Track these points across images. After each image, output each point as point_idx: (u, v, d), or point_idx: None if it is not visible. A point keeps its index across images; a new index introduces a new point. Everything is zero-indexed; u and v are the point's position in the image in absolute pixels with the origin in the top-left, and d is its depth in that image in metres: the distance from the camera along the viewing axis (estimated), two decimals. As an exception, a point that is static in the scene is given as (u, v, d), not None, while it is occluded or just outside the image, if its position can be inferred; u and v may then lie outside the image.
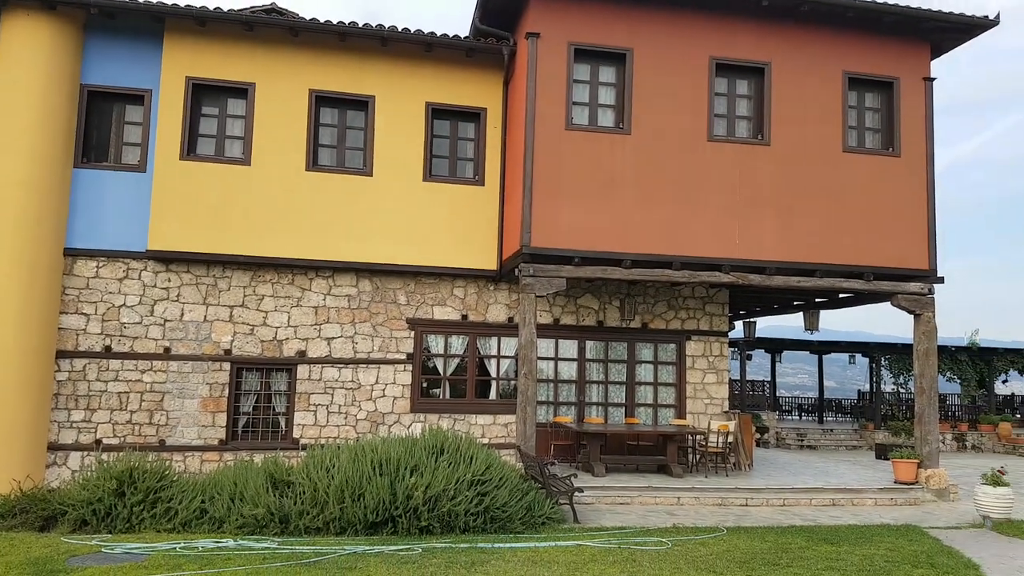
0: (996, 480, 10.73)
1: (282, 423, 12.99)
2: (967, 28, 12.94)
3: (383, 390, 13.23)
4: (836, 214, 12.72)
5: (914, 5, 12.62)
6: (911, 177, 13.02)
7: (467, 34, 13.51)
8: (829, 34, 12.93)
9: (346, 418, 13.04)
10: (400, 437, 10.16)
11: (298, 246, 12.71)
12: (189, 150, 12.60)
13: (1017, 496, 12.61)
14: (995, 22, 12.73)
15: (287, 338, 12.99)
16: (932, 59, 13.51)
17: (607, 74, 12.47)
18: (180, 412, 12.54)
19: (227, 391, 12.70)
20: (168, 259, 12.63)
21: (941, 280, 13.09)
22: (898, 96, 13.10)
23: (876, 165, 12.96)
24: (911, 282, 13.00)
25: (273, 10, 13.97)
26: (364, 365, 13.20)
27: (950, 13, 12.61)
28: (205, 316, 12.78)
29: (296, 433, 12.84)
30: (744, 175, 12.48)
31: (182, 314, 12.71)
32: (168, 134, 12.48)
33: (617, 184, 12.12)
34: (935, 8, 12.70)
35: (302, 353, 13.01)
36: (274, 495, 9.09)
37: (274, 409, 13.02)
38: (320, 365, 13.05)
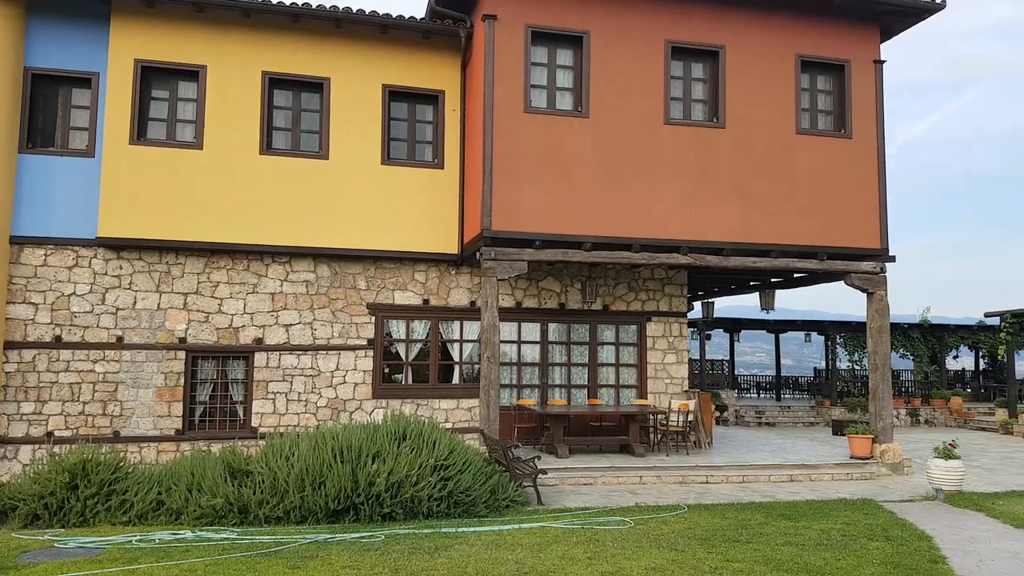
0: (947, 454, 11.02)
1: (240, 412, 12.81)
2: (915, 11, 13.13)
3: (344, 376, 13.12)
4: (790, 195, 12.89)
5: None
6: (863, 158, 13.23)
7: (424, 15, 13.33)
8: (782, 17, 13.03)
9: (306, 406, 12.91)
10: (361, 423, 10.08)
11: (253, 231, 12.49)
12: (139, 134, 12.29)
13: (968, 469, 12.99)
14: (942, 5, 12.95)
15: (243, 325, 12.79)
16: (882, 42, 13.72)
17: (564, 57, 12.43)
18: (135, 402, 12.30)
19: (183, 380, 12.49)
20: (119, 246, 12.34)
21: (893, 259, 13.35)
22: (849, 78, 13.28)
23: (829, 146, 13.14)
24: (863, 261, 13.25)
25: (224, -10, 13.60)
26: (324, 352, 13.06)
27: (900, -5, 12.81)
28: (159, 304, 12.52)
29: (255, 422, 12.68)
30: (701, 157, 12.57)
31: (135, 302, 12.44)
32: (117, 118, 12.15)
33: (576, 167, 12.12)
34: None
35: (259, 340, 12.83)
36: (233, 485, 8.97)
37: (231, 398, 12.84)
38: (278, 352, 12.88)
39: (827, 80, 13.46)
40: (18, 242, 12.05)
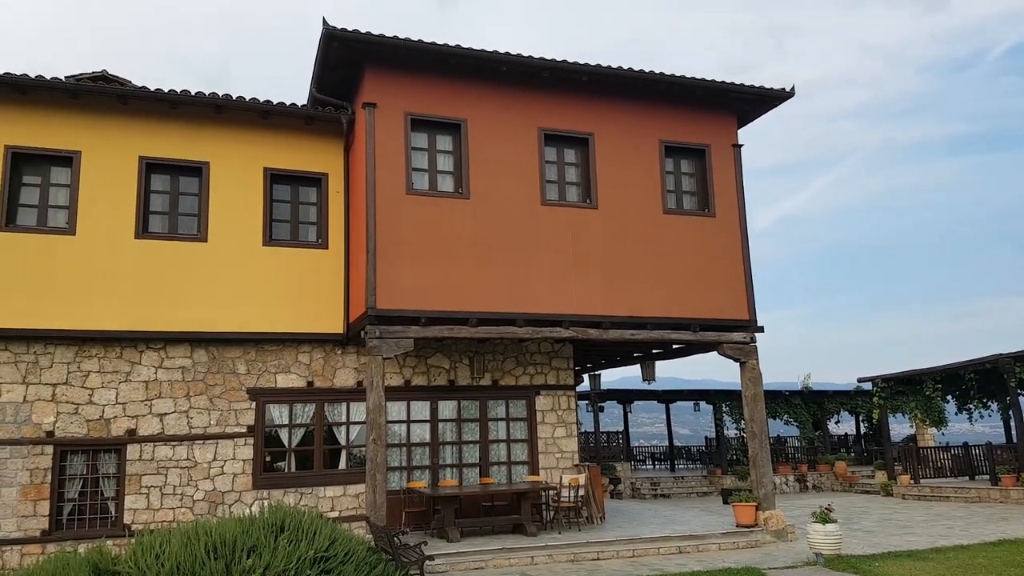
0: (824, 518, 11.36)
1: (112, 508, 12.13)
2: (766, 99, 14.30)
3: (222, 467, 12.62)
4: (662, 271, 13.51)
5: (721, 79, 13.87)
6: (727, 235, 14.08)
7: (306, 102, 13.60)
8: (646, 106, 13.95)
9: (182, 499, 12.32)
10: (238, 516, 9.72)
11: (127, 317, 12.12)
12: (8, 220, 11.91)
13: (849, 532, 13.45)
14: (791, 94, 14.17)
15: (115, 416, 12.23)
16: (740, 127, 14.83)
17: (444, 142, 12.88)
18: (-4, 503, 11.50)
19: (50, 477, 11.76)
20: (-18, 337, 11.74)
21: (761, 329, 14.06)
22: (710, 162, 14.23)
23: (694, 225, 13.95)
24: (734, 332, 13.91)
25: (102, 77, 13.56)
26: (201, 441, 12.58)
27: (751, 86, 13.95)
28: (25, 396, 11.88)
29: (127, 518, 12.01)
30: (577, 236, 13.10)
31: (-1, 395, 11.77)
32: (-16, 205, 11.75)
33: (460, 246, 12.41)
34: (739, 82, 13.95)
35: (132, 432, 12.27)
36: (96, 587, 8.44)
37: (103, 494, 12.16)
38: (152, 443, 12.33)
39: (690, 163, 14.37)
40: None
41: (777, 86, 14.20)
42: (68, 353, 12.18)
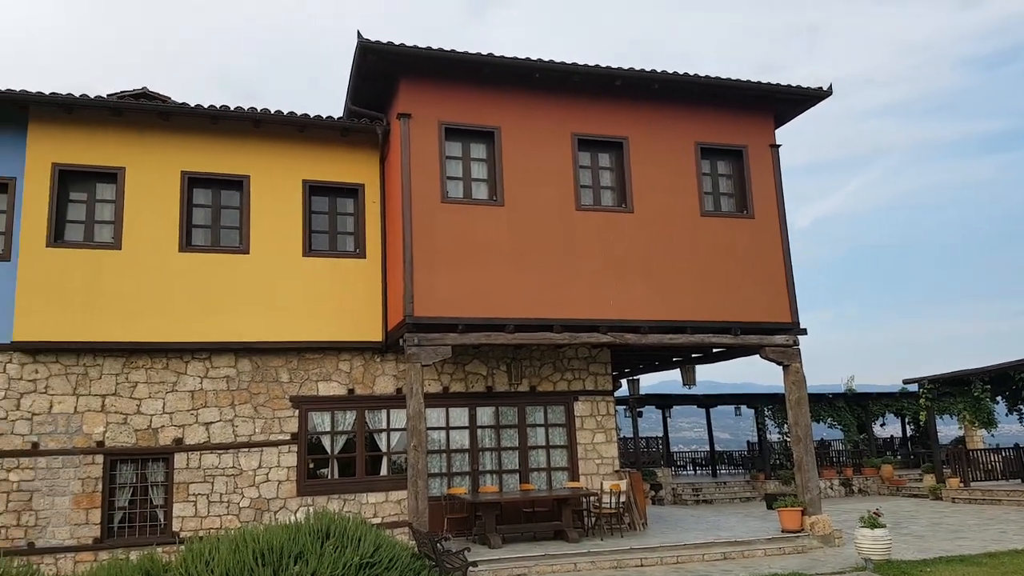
0: (873, 522, 11.12)
1: (161, 516, 12.38)
2: (803, 99, 14.14)
3: (267, 474, 12.82)
4: (701, 274, 13.40)
5: (758, 79, 13.78)
6: (766, 236, 13.90)
7: (342, 115, 13.79)
8: (681, 108, 13.87)
9: (228, 507, 12.53)
10: (284, 523, 9.85)
11: (172, 329, 12.38)
12: (56, 237, 12.23)
13: (898, 537, 13.15)
14: (828, 93, 13.97)
15: (163, 425, 12.50)
16: (777, 127, 14.66)
17: (478, 150, 12.96)
18: (51, 511, 11.80)
19: (101, 485, 12.06)
20: (35, 350, 12.07)
21: (804, 332, 13.83)
22: (747, 163, 14.08)
23: (733, 227, 13.80)
24: (776, 335, 13.71)
25: (143, 95, 13.91)
26: (246, 449, 12.79)
27: (787, 86, 13.80)
28: (76, 407, 12.20)
29: (176, 526, 12.25)
30: (613, 241, 13.06)
31: (51, 407, 12.10)
32: (34, 222, 12.09)
33: (495, 253, 12.46)
34: (775, 82, 13.84)
35: (179, 440, 12.53)
36: (146, 593, 8.60)
37: (151, 502, 12.42)
38: (198, 452, 12.57)
39: (727, 164, 14.24)
40: (-72, 349, 11.71)
41: (813, 85, 14.05)
42: (116, 364, 12.48)
